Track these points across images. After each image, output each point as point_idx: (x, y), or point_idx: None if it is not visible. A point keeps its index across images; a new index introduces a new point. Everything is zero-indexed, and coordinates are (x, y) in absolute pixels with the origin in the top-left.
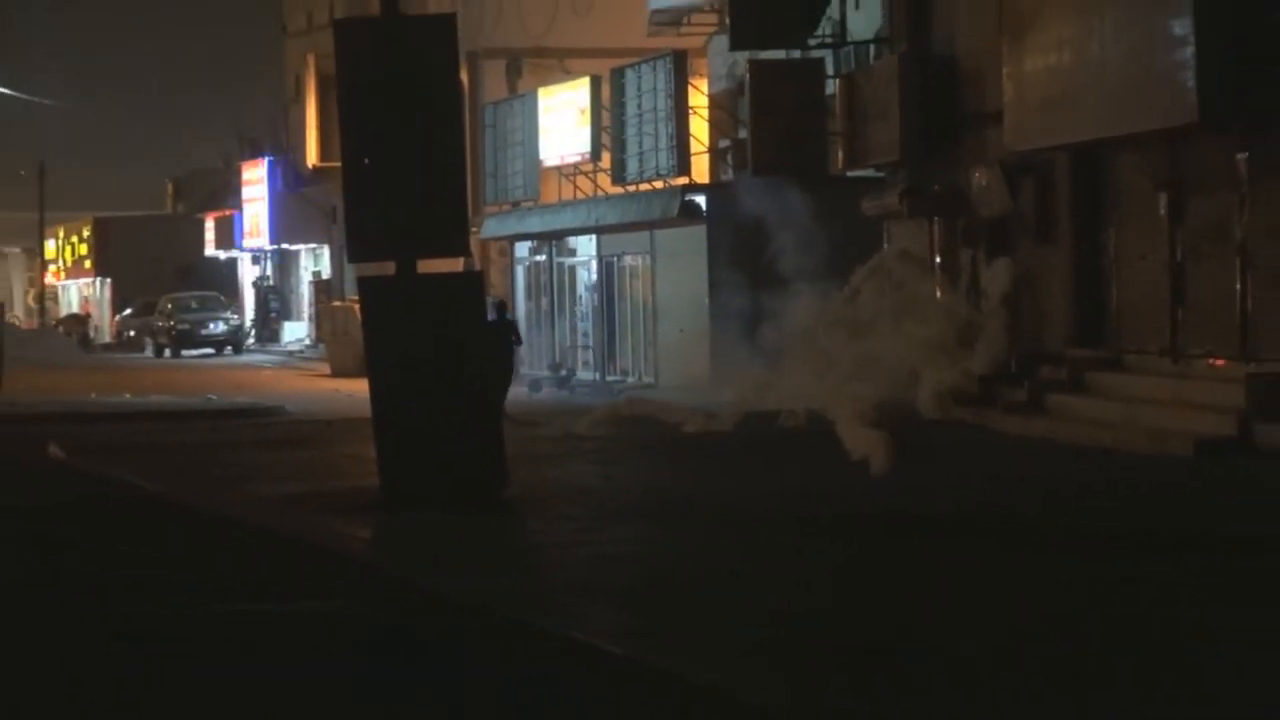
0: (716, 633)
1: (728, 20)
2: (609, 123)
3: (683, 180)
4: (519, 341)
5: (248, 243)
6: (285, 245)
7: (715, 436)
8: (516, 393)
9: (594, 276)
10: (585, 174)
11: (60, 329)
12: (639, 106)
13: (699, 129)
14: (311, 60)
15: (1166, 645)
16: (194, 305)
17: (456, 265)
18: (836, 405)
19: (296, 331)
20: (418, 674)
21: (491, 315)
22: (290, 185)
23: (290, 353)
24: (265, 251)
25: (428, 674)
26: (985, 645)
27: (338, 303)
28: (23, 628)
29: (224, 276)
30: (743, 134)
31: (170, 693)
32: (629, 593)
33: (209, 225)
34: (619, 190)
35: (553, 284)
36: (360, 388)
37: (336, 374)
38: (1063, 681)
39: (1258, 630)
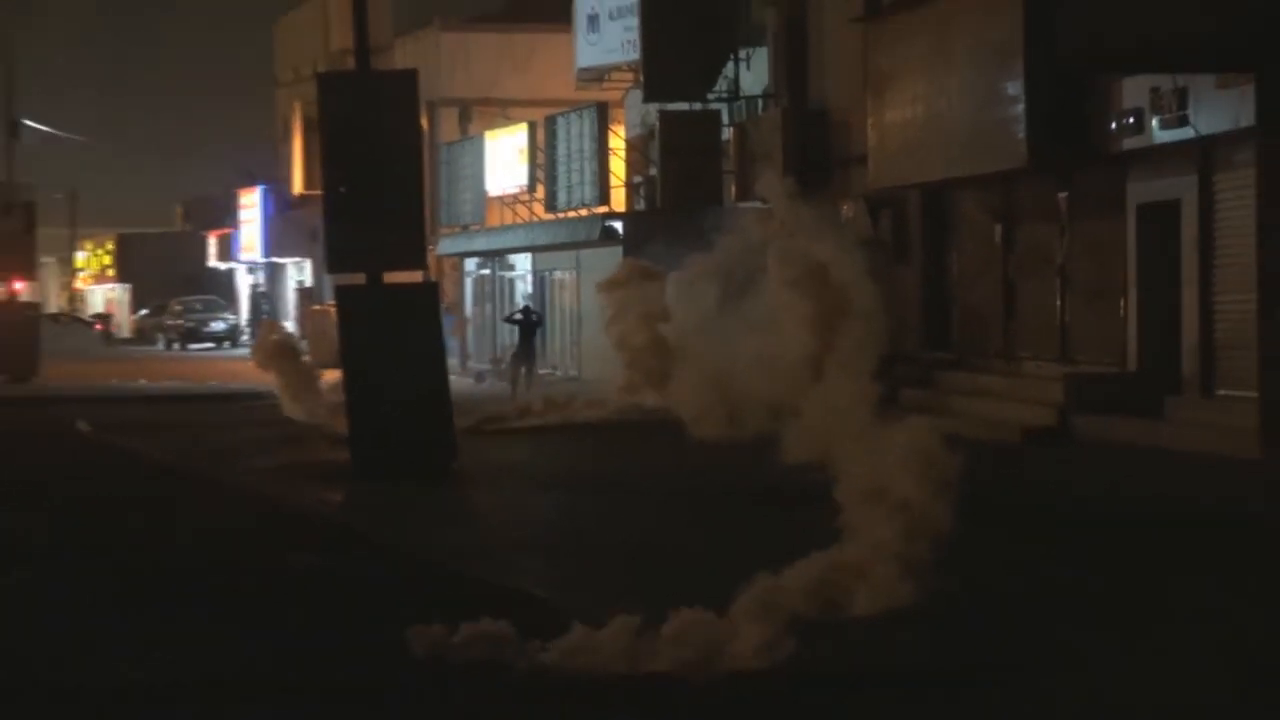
0: (616, 578)
1: (642, 78)
2: (543, 161)
3: (603, 209)
4: (539, 323)
5: (244, 256)
6: (275, 259)
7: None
8: (463, 382)
9: (530, 288)
10: (523, 203)
11: (91, 326)
12: (568, 148)
13: (617, 167)
14: (298, 106)
15: None
16: (199, 307)
17: (416, 277)
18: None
19: None
20: (374, 615)
21: (519, 317)
22: (279, 209)
23: None
24: (258, 263)
25: (381, 613)
26: None
27: (318, 306)
28: (54, 576)
29: (224, 284)
30: (653, 172)
31: (172, 628)
32: (551, 548)
33: (212, 241)
34: (551, 217)
35: (495, 293)
36: (336, 377)
37: (317, 365)
38: None
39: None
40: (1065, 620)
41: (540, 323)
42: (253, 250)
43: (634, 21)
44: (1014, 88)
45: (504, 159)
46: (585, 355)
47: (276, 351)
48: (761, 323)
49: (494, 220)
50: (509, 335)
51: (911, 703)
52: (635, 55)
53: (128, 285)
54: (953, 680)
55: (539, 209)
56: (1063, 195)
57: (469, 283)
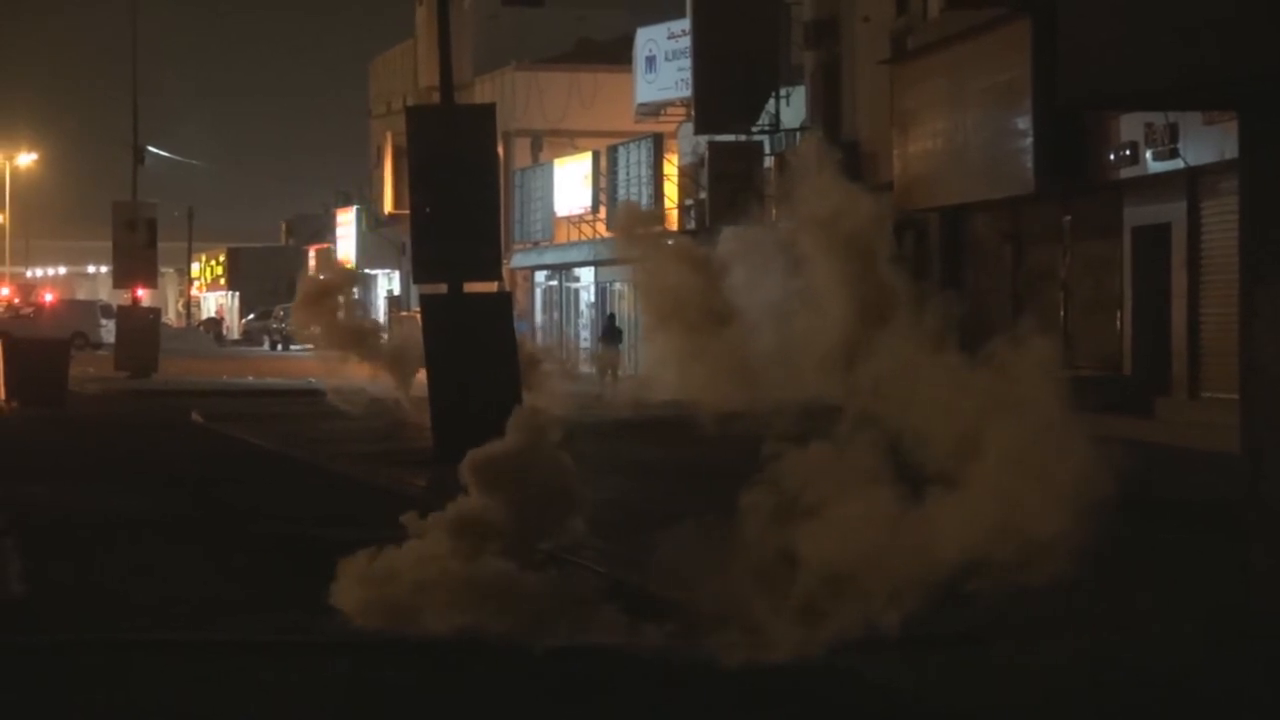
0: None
1: (693, 113)
2: (605, 185)
3: (658, 228)
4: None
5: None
6: (367, 270)
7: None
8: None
9: (592, 297)
10: (587, 222)
11: (201, 328)
12: (627, 174)
13: (671, 191)
14: (389, 136)
15: None
16: None
17: (492, 287)
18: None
19: None
20: None
21: (606, 325)
22: (371, 226)
23: None
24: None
25: None
26: None
27: (405, 313)
28: (176, 541)
29: None
30: (702, 195)
31: (272, 586)
32: (611, 526)
33: (311, 254)
34: (611, 235)
35: (562, 302)
36: (420, 375)
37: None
38: None
39: None
40: None
41: (621, 332)
42: (348, 262)
43: (687, 63)
44: (1022, 123)
45: (571, 183)
46: (641, 357)
47: (320, 295)
48: (808, 301)
49: (561, 237)
50: (574, 338)
51: None
52: (688, 93)
53: (237, 293)
54: None
55: (601, 228)
56: (1066, 218)
57: (539, 293)
